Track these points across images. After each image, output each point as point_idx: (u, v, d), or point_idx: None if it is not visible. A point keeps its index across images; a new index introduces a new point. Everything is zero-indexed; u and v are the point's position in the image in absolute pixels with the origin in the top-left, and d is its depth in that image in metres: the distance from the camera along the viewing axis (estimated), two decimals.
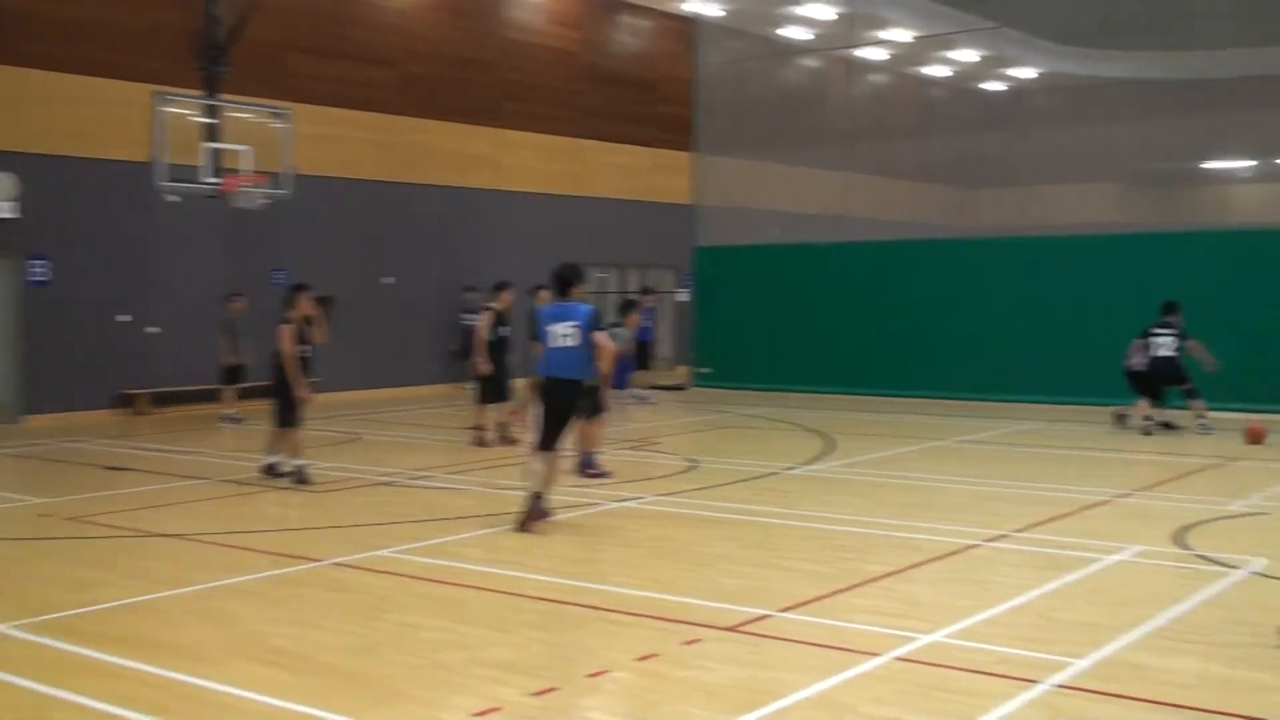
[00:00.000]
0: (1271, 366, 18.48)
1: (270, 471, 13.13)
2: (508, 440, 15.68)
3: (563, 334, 10.49)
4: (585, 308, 10.66)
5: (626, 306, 17.79)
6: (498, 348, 15.40)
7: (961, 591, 8.13)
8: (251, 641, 7.07)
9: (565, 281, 10.78)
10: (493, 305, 15.59)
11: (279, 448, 13.15)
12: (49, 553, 9.73)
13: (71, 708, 5.94)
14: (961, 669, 6.39)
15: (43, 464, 15.14)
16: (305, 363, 12.99)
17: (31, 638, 7.16)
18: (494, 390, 15.53)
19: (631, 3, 29.79)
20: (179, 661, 6.64)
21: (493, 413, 15.78)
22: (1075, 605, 7.73)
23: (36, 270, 19.39)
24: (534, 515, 10.17)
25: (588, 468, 13.12)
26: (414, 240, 24.58)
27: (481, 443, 15.60)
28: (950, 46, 27.87)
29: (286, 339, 12.76)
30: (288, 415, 12.86)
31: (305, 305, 13.09)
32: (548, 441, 10.44)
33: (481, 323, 15.48)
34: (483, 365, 15.21)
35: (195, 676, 6.38)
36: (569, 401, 10.50)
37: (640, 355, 21.85)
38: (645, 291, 23.24)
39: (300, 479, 12.69)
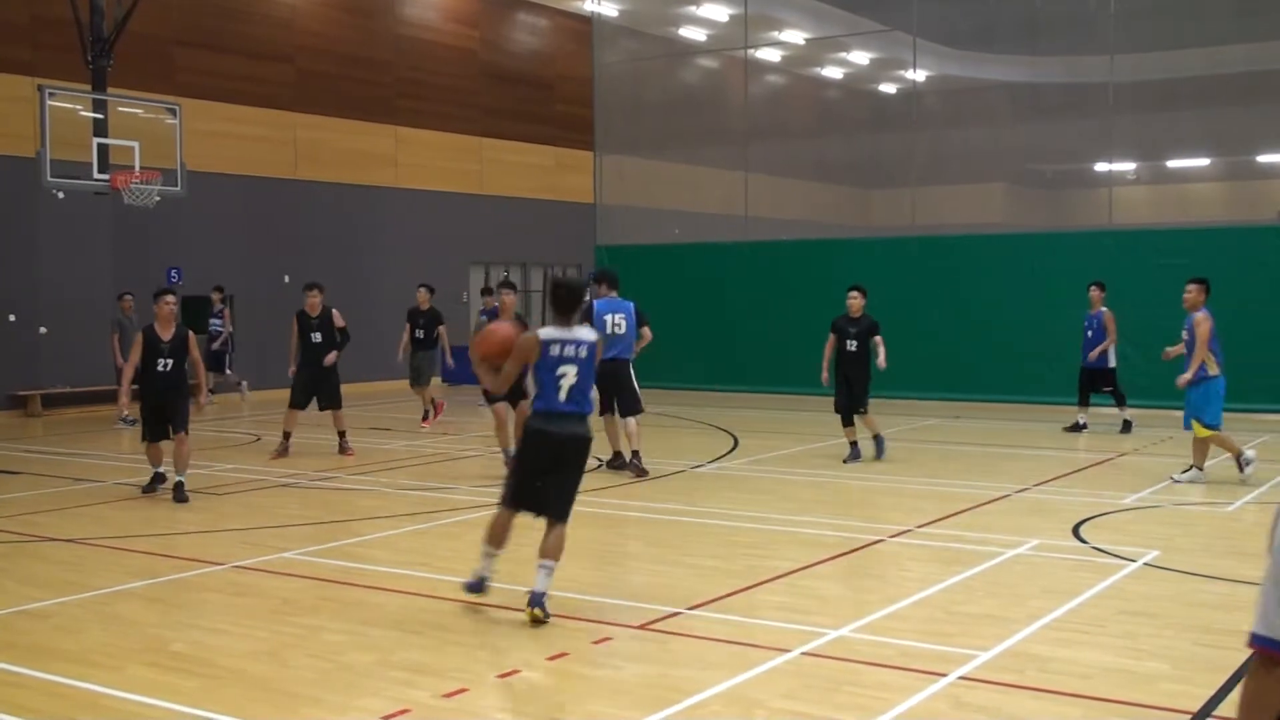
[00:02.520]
0: (1155, 363, 19.02)
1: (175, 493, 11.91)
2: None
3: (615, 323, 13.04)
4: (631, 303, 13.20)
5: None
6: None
7: (866, 586, 8.25)
8: (152, 647, 6.92)
9: (612, 282, 13.61)
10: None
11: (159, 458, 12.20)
12: None
13: None
14: (868, 663, 6.49)
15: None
16: (159, 375, 11.75)
17: None
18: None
19: (529, 1, 29.71)
20: (77, 669, 6.48)
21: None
22: (977, 598, 7.89)
23: None
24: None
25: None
26: (311, 238, 24.24)
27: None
28: (843, 49, 28.24)
29: (134, 350, 11.76)
30: (143, 428, 11.99)
31: (163, 311, 11.83)
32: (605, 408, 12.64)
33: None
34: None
35: (94, 684, 6.23)
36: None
37: None
38: (493, 290, 22.81)
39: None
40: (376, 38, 25.92)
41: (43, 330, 19.72)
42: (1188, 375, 12.25)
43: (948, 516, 10.78)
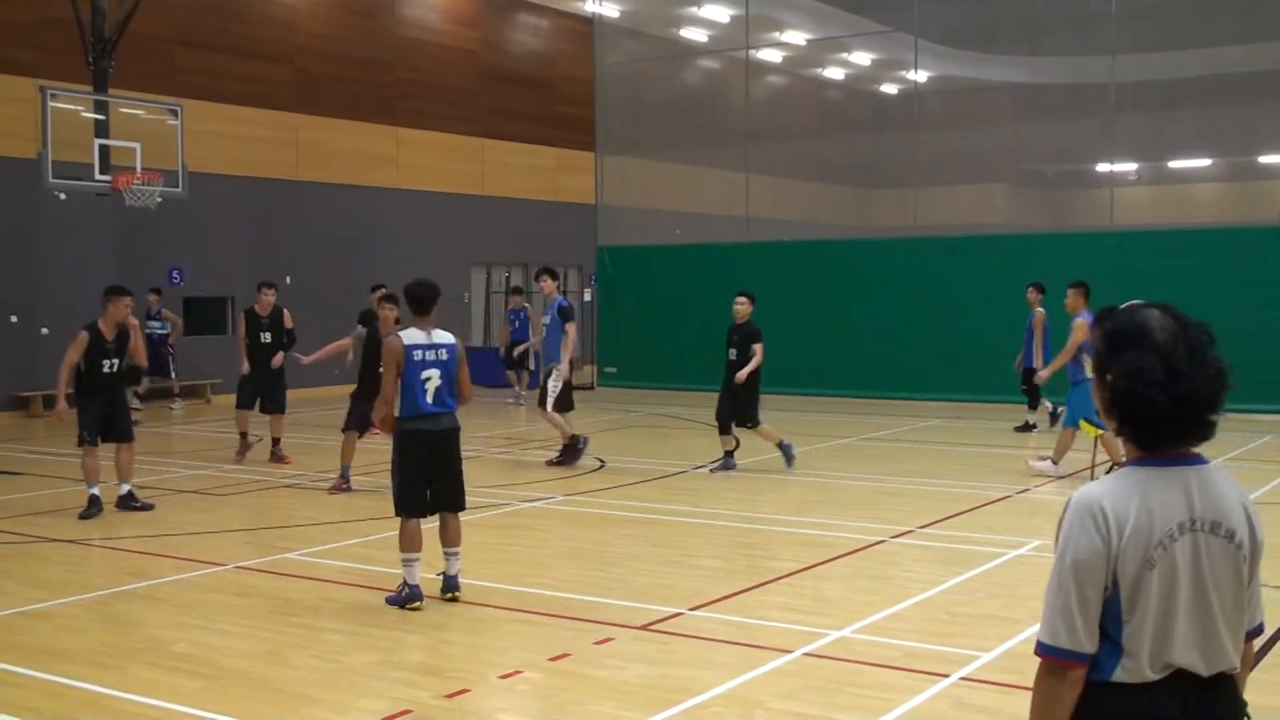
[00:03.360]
0: None
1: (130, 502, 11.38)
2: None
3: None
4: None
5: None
6: None
7: (868, 587, 8.25)
8: (154, 648, 6.93)
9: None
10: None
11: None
12: None
13: None
14: (870, 664, 6.49)
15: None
16: (108, 376, 11.14)
17: None
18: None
19: (530, 2, 29.71)
20: (79, 669, 6.49)
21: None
22: (979, 599, 7.90)
23: None
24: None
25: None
26: (313, 239, 24.24)
27: None
28: (845, 49, 28.24)
29: (72, 348, 11.04)
30: (80, 431, 11.15)
31: (118, 311, 11.23)
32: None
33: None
34: None
35: (97, 684, 6.24)
36: None
37: (513, 355, 21.64)
38: (514, 292, 22.91)
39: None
40: (377, 38, 25.92)
41: (44, 331, 19.69)
42: (1046, 374, 13.07)
43: (949, 517, 10.78)
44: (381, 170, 25.85)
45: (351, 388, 12.89)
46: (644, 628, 7.20)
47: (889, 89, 28.33)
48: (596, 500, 11.82)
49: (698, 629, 7.19)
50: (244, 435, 14.60)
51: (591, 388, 24.82)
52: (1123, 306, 2.76)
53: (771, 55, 28.07)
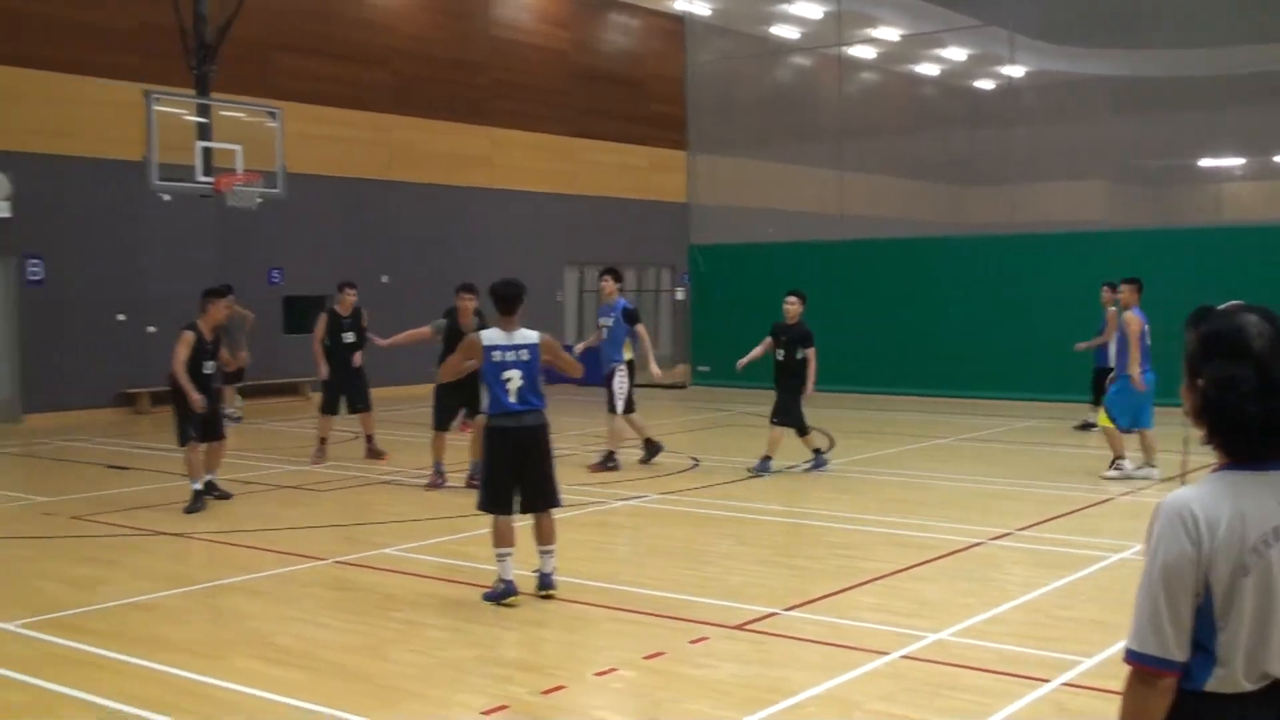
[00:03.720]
0: None
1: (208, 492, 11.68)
2: None
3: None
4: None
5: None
6: None
7: (967, 590, 8.13)
8: (256, 639, 7.06)
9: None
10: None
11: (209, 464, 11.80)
12: (53, 551, 9.70)
13: (77, 704, 5.93)
14: (968, 667, 6.40)
15: (44, 463, 15.10)
16: (208, 377, 11.48)
17: (37, 635, 7.14)
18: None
19: (621, 1, 29.78)
20: (183, 659, 6.63)
21: None
22: (1081, 603, 7.75)
23: (32, 270, 19.35)
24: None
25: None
26: (408, 239, 24.54)
27: None
28: (939, 45, 27.89)
29: (181, 346, 11.31)
30: (183, 430, 11.48)
31: (217, 312, 11.65)
32: None
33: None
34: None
35: (200, 674, 6.37)
36: None
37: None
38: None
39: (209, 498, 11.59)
40: (470, 40, 26.16)
41: (150, 330, 20.18)
42: (1136, 373, 12.43)
43: (1050, 519, 10.59)
44: (475, 170, 26.09)
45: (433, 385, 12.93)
46: (738, 627, 7.17)
47: (984, 84, 27.94)
48: (690, 499, 11.80)
49: (792, 629, 7.14)
50: (324, 440, 14.60)
51: (684, 386, 24.84)
52: (1220, 308, 2.66)
53: (864, 51, 27.82)
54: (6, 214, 18.86)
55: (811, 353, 13.10)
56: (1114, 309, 16.51)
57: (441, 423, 12.61)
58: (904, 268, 22.81)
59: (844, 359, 23.04)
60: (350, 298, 14.71)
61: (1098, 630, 7.03)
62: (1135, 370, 12.41)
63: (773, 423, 13.23)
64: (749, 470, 13.18)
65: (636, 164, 29.74)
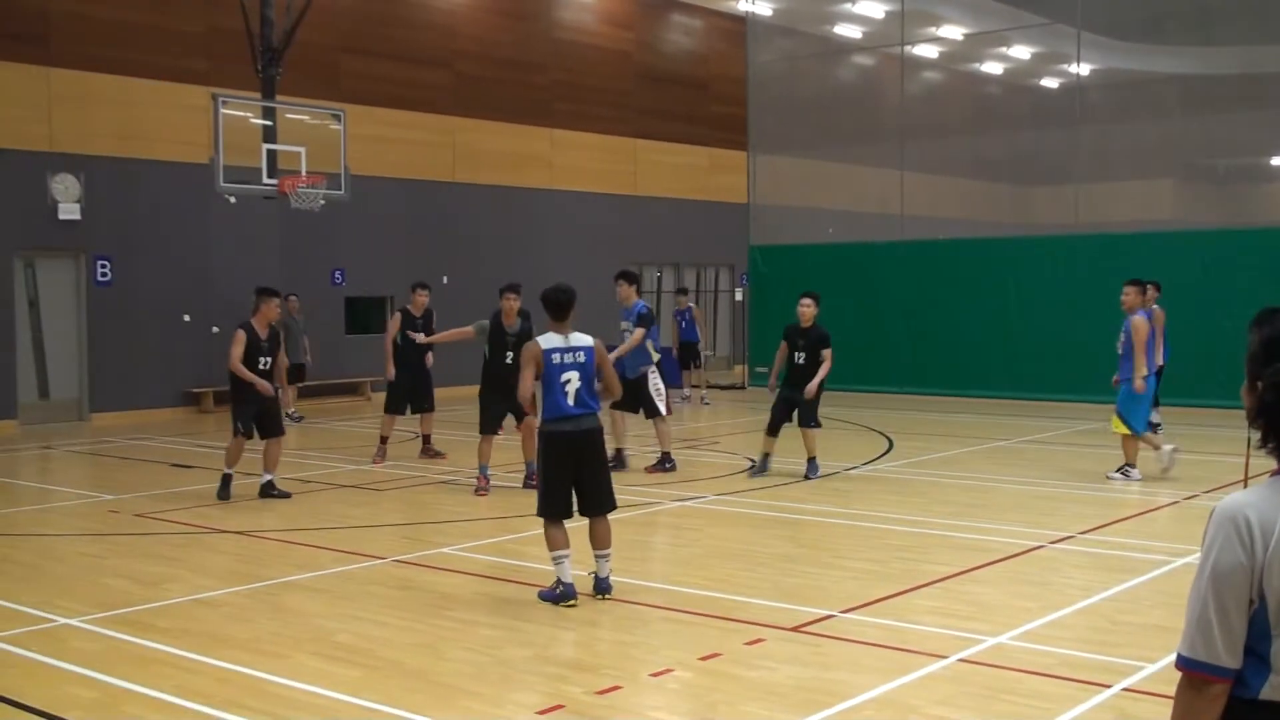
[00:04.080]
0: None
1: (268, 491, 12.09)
2: None
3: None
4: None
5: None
6: None
7: (1026, 593, 8.05)
8: (316, 637, 7.14)
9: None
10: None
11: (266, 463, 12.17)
12: (119, 549, 9.87)
13: (142, 700, 6.03)
14: (1028, 671, 6.33)
15: (111, 461, 15.36)
16: (264, 374, 11.87)
17: (102, 631, 7.27)
18: None
19: (683, 2, 29.77)
20: (245, 656, 6.72)
21: None
22: (1143, 608, 7.64)
23: (101, 270, 19.71)
24: None
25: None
26: (469, 240, 24.70)
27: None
28: (1003, 43, 27.60)
29: (235, 345, 11.77)
30: (234, 423, 11.94)
31: (269, 311, 12.07)
32: None
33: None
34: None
35: (262, 671, 6.45)
36: None
37: (687, 355, 21.80)
38: (681, 292, 23.15)
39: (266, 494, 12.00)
40: (533, 41, 26.28)
41: (215, 330, 20.47)
42: (1139, 380, 12.49)
43: (1112, 523, 10.45)
44: (536, 171, 26.21)
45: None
46: (795, 629, 7.15)
47: (1050, 83, 27.62)
48: (746, 500, 11.78)
49: (849, 632, 7.11)
50: (385, 440, 14.67)
51: (742, 387, 24.80)
52: None
53: (927, 51, 27.61)
54: (76, 216, 19.24)
55: (829, 353, 12.89)
56: (1157, 308, 16.39)
57: (487, 427, 12.59)
58: (966, 269, 22.61)
59: (903, 360, 22.91)
60: (422, 298, 14.84)
61: (1159, 635, 6.93)
62: (1141, 374, 12.49)
63: (810, 427, 13.06)
64: (806, 477, 13.07)
65: (697, 164, 29.73)
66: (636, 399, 13.36)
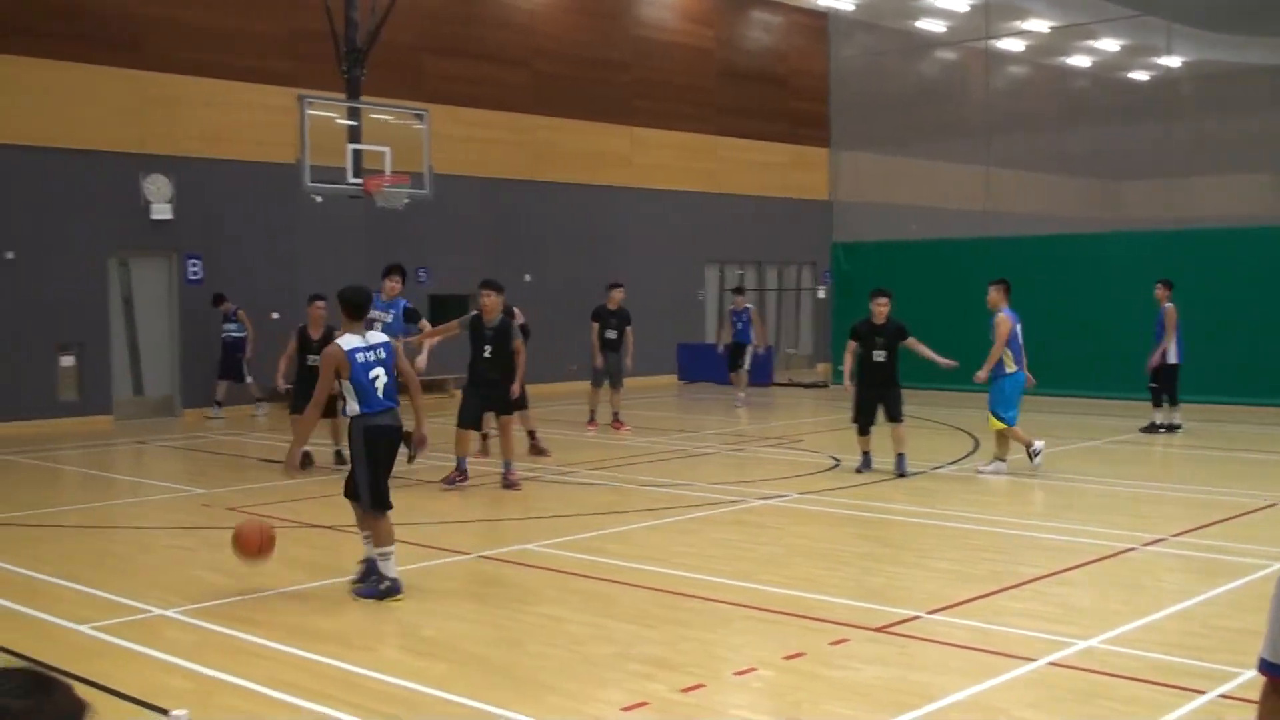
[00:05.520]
0: None
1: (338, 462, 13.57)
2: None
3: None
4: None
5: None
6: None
7: (1117, 596, 7.91)
8: (403, 631, 7.21)
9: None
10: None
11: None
12: (210, 542, 10.05)
13: (233, 689, 6.13)
14: (1119, 676, 6.22)
15: (202, 456, 15.65)
16: (311, 368, 12.55)
17: (196, 622, 7.41)
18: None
19: None
20: (334, 648, 6.81)
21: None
22: (1239, 613, 7.46)
23: (192, 269, 20.11)
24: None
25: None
26: (550, 238, 24.82)
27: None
28: (1091, 36, 27.13)
29: (291, 344, 14.44)
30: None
31: (314, 313, 14.12)
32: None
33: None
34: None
35: (349, 663, 6.53)
36: None
37: (734, 356, 21.48)
38: (737, 291, 22.85)
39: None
40: (613, 39, 26.33)
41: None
42: (982, 372, 12.95)
43: (1207, 525, 10.22)
44: (616, 169, 26.26)
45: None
46: (880, 629, 7.09)
47: (1139, 76, 27.12)
48: (830, 499, 11.71)
49: (935, 633, 7.03)
50: (485, 437, 14.71)
51: (825, 385, 24.64)
52: None
53: (1013, 44, 27.24)
54: (168, 215, 19.65)
55: (913, 340, 13.11)
56: (1170, 305, 16.32)
57: (465, 420, 12.65)
58: (1053, 265, 22.26)
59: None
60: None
61: (1256, 641, 6.72)
62: (987, 368, 13.03)
63: (898, 421, 13.10)
64: (899, 474, 12.97)
65: (778, 161, 29.59)
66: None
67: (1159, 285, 16.85)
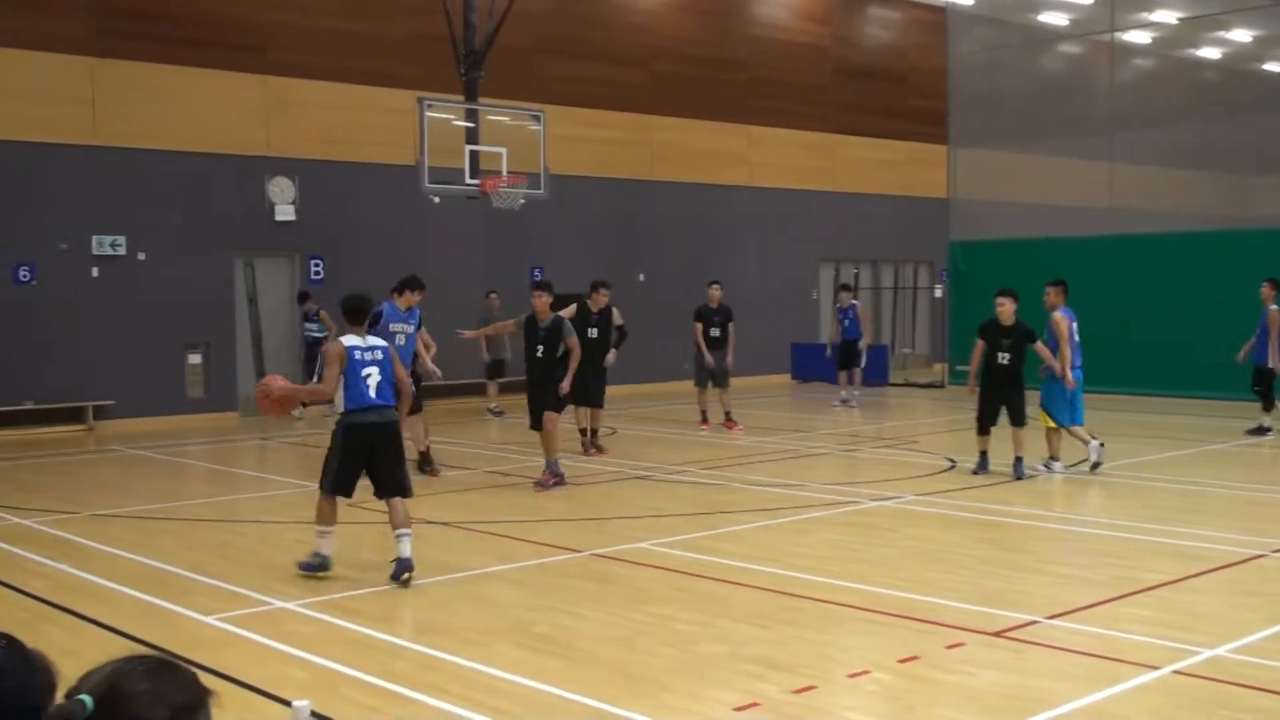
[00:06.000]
0: None
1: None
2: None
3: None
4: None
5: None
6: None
7: (1246, 604, 7.66)
8: (517, 627, 7.28)
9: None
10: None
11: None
12: None
13: (351, 681, 6.25)
14: (1247, 686, 6.02)
15: (317, 452, 15.95)
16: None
17: (316, 615, 7.58)
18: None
19: None
20: (449, 643, 6.90)
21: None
22: None
23: (314, 269, 20.56)
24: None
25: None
26: (665, 237, 24.86)
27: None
28: (1222, 26, 26.32)
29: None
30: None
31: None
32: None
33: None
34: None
35: (464, 658, 6.61)
36: None
37: (846, 355, 21.19)
38: (844, 289, 22.55)
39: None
40: (730, 38, 26.28)
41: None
42: (1068, 377, 12.93)
43: None
44: (733, 168, 26.21)
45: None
46: (997, 634, 6.97)
47: (1273, 67, 26.25)
48: (946, 501, 11.54)
49: (1054, 638, 6.89)
50: (583, 431, 15.17)
51: (941, 385, 24.30)
52: None
53: (1139, 37, 26.55)
54: (291, 217, 20.13)
55: (1040, 345, 12.94)
56: (1274, 307, 15.80)
57: (534, 422, 12.81)
58: (1180, 263, 21.65)
59: (1112, 358, 22.01)
60: (603, 297, 15.15)
61: None
62: (1066, 368, 12.89)
63: (1021, 425, 12.89)
64: (1016, 477, 12.75)
65: (895, 159, 29.26)
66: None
67: (1266, 284, 16.60)
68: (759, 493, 12.00)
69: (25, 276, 18.08)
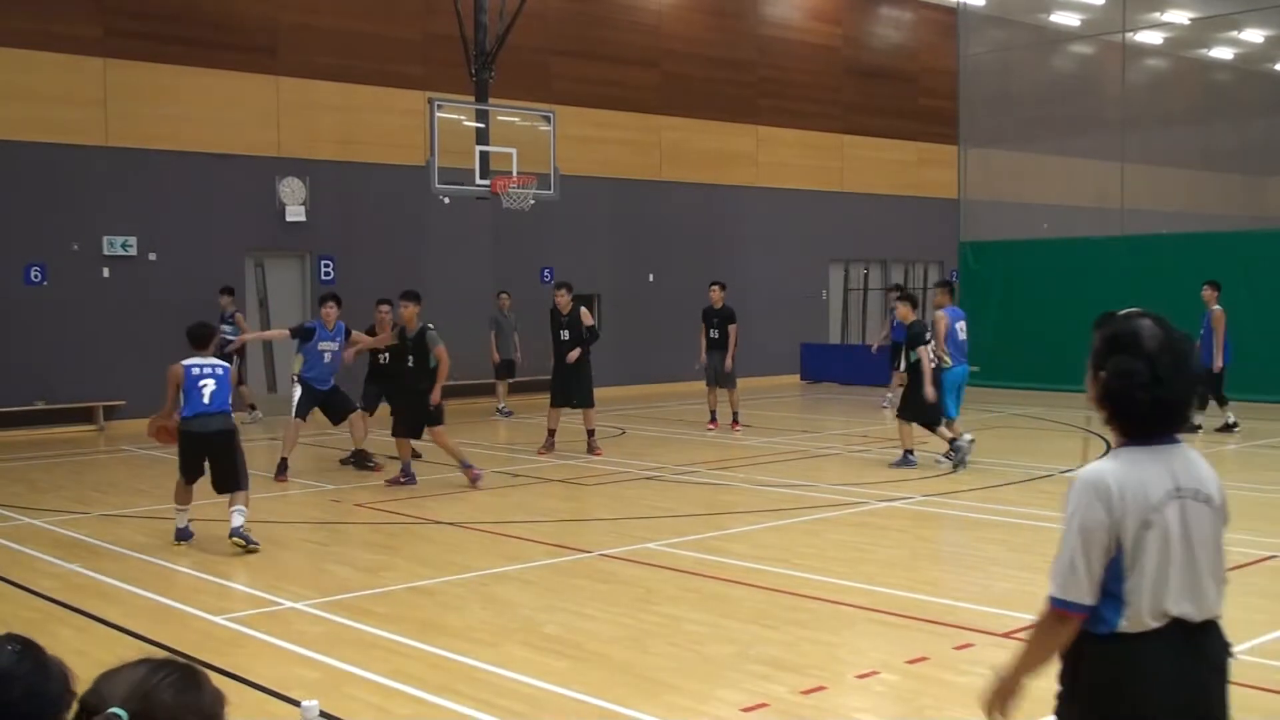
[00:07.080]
0: None
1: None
2: None
3: None
4: None
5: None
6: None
7: (1256, 605, 7.62)
8: (526, 628, 7.29)
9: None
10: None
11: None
12: (340, 537, 10.30)
13: (360, 681, 6.27)
14: (1258, 688, 6.00)
15: (332, 453, 16.01)
16: (380, 365, 14.68)
17: (326, 615, 7.60)
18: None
19: None
20: (458, 643, 6.91)
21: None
22: None
23: (325, 270, 20.59)
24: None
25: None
26: (675, 238, 24.85)
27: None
28: (1235, 27, 26.24)
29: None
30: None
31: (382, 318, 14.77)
32: None
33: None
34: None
35: (473, 658, 6.63)
36: None
37: (897, 355, 21.18)
38: (895, 289, 22.59)
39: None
40: (740, 39, 26.26)
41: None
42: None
43: None
44: (741, 169, 26.19)
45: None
46: (1006, 635, 6.95)
47: None
48: (955, 502, 11.53)
49: None
50: (552, 432, 15.33)
51: None
52: (1121, 313, 3.21)
53: (1150, 37, 26.49)
54: (302, 217, 20.16)
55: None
56: (1218, 308, 16.06)
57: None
58: (1192, 264, 21.57)
59: None
60: (564, 298, 15.48)
61: None
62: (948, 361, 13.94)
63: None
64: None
65: (905, 160, 29.22)
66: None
67: (1206, 286, 17.28)
68: (767, 493, 11.99)
69: (37, 277, 18.14)
